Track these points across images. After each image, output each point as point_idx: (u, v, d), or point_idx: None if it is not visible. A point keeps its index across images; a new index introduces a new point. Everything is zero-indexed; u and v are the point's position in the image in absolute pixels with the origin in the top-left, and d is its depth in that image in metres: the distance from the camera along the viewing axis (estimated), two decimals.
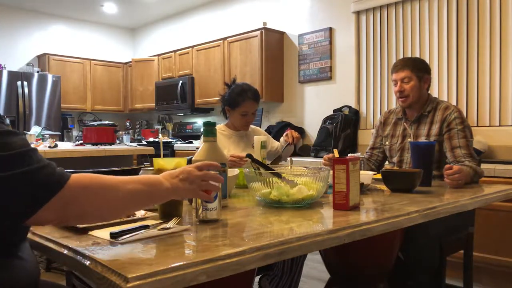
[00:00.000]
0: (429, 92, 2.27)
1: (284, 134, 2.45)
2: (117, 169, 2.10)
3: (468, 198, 1.55)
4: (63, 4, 6.09)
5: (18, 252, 0.92)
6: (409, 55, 3.77)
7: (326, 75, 4.45)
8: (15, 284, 0.88)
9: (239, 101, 2.41)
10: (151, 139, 5.94)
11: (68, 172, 0.86)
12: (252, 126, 2.61)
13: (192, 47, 5.63)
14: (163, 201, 1.03)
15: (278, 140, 2.61)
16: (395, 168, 2.20)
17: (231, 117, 2.51)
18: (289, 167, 1.70)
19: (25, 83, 5.58)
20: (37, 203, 0.79)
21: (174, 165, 1.19)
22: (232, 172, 1.60)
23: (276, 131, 4.53)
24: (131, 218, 1.13)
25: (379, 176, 2.05)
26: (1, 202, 0.77)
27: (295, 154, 4.19)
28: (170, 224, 1.06)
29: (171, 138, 6.09)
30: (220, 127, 2.55)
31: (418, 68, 2.19)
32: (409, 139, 2.21)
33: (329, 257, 1.83)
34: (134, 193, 0.93)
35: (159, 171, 1.19)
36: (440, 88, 3.60)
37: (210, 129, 1.34)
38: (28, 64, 6.14)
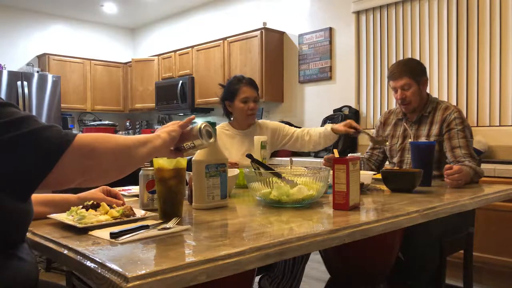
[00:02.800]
0: (428, 92, 2.27)
1: (344, 124, 2.26)
2: None
3: (468, 198, 1.55)
4: (63, 4, 6.09)
5: (17, 253, 0.92)
6: (409, 55, 3.77)
7: (326, 75, 4.44)
8: (14, 285, 0.88)
9: (236, 88, 2.36)
10: None
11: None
12: (260, 121, 2.51)
13: (192, 47, 5.63)
14: (160, 147, 1.07)
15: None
16: (395, 168, 2.20)
17: (234, 111, 2.41)
18: (289, 167, 1.70)
19: (25, 83, 5.58)
20: (52, 157, 0.80)
21: (173, 165, 1.19)
22: (232, 172, 1.60)
23: None
24: (131, 218, 1.13)
25: (379, 176, 2.05)
26: (16, 164, 0.78)
27: (294, 154, 4.19)
28: (170, 224, 1.06)
29: None
30: (224, 125, 2.47)
31: (416, 73, 2.16)
32: (409, 140, 2.21)
33: (329, 257, 1.83)
34: (137, 139, 1.00)
35: (159, 170, 1.19)
36: (440, 88, 3.60)
37: None
38: (28, 64, 6.14)
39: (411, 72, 2.16)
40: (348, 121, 2.26)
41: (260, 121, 2.53)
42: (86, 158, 0.85)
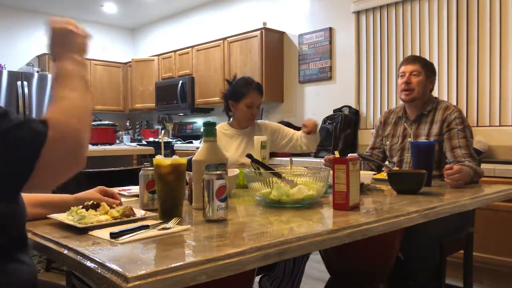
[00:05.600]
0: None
1: (303, 125, 2.41)
2: (117, 169, 2.10)
3: (468, 198, 1.55)
4: (63, 4, 6.09)
5: (16, 255, 0.91)
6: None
7: (326, 75, 4.44)
8: (12, 287, 0.88)
9: (244, 92, 2.37)
10: (151, 139, 5.94)
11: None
12: (259, 121, 2.54)
13: (192, 47, 5.63)
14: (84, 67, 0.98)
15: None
16: (395, 168, 2.20)
17: (236, 111, 2.44)
18: (289, 167, 1.70)
19: (25, 83, 5.58)
20: (29, 160, 0.76)
21: (171, 161, 1.20)
22: (232, 172, 1.60)
23: None
24: (131, 218, 1.13)
25: (379, 176, 2.05)
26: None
27: (294, 154, 4.18)
28: (170, 224, 1.06)
29: (171, 138, 6.09)
30: (223, 125, 2.50)
31: (428, 68, 2.23)
32: (409, 139, 2.21)
33: (329, 257, 1.83)
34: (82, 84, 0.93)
35: (157, 166, 1.20)
36: (440, 88, 3.60)
37: (210, 129, 1.34)
38: (28, 64, 6.14)
39: (425, 64, 2.23)
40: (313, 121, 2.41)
41: (259, 121, 2.55)
42: (66, 144, 0.81)
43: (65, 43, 0.97)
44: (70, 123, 0.83)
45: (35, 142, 0.77)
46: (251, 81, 2.42)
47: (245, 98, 2.38)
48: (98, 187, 1.31)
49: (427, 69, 2.21)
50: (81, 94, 0.91)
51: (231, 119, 2.53)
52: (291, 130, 2.53)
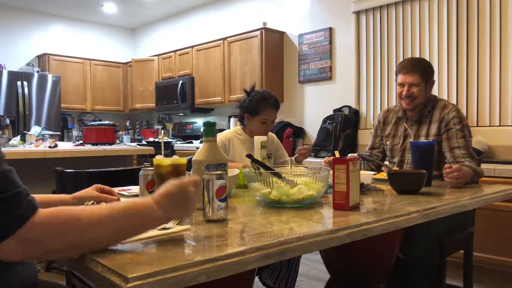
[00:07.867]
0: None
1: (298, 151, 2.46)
2: (117, 169, 2.10)
3: (468, 198, 1.55)
4: (63, 4, 6.10)
5: None
6: (409, 56, 3.77)
7: (326, 75, 4.45)
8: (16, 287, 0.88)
9: (260, 108, 2.36)
10: (151, 139, 5.94)
11: (34, 205, 0.77)
12: (270, 133, 2.56)
13: (192, 47, 5.63)
14: (153, 228, 0.95)
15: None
16: (395, 168, 2.20)
17: (250, 124, 2.45)
18: (289, 167, 1.70)
19: (25, 83, 5.58)
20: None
21: (171, 161, 1.20)
22: (232, 172, 1.60)
23: (276, 131, 4.53)
24: None
25: (379, 176, 2.05)
26: None
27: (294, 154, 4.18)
28: (170, 224, 1.06)
29: (171, 138, 6.09)
30: (237, 130, 2.51)
31: (427, 73, 2.16)
32: (410, 139, 2.21)
33: (329, 257, 1.83)
34: (114, 222, 0.84)
35: (157, 166, 1.20)
36: (440, 88, 3.60)
37: (210, 129, 1.34)
38: (28, 64, 6.14)
39: (423, 71, 2.15)
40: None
41: (270, 133, 2.57)
42: (33, 246, 0.76)
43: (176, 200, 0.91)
44: (51, 236, 0.77)
45: (13, 222, 0.73)
46: (268, 97, 2.39)
47: (260, 114, 2.37)
48: (95, 185, 1.30)
49: (426, 75, 2.15)
50: (104, 232, 0.82)
51: (246, 125, 2.53)
52: (286, 154, 2.64)
